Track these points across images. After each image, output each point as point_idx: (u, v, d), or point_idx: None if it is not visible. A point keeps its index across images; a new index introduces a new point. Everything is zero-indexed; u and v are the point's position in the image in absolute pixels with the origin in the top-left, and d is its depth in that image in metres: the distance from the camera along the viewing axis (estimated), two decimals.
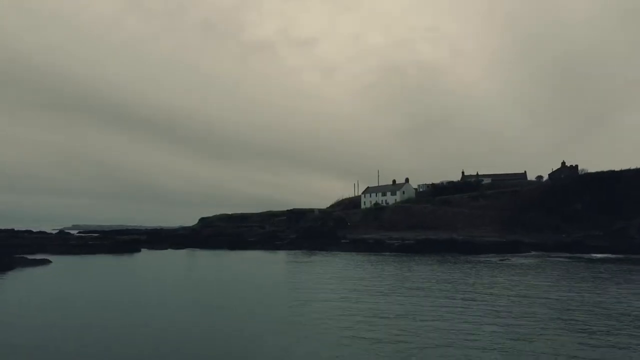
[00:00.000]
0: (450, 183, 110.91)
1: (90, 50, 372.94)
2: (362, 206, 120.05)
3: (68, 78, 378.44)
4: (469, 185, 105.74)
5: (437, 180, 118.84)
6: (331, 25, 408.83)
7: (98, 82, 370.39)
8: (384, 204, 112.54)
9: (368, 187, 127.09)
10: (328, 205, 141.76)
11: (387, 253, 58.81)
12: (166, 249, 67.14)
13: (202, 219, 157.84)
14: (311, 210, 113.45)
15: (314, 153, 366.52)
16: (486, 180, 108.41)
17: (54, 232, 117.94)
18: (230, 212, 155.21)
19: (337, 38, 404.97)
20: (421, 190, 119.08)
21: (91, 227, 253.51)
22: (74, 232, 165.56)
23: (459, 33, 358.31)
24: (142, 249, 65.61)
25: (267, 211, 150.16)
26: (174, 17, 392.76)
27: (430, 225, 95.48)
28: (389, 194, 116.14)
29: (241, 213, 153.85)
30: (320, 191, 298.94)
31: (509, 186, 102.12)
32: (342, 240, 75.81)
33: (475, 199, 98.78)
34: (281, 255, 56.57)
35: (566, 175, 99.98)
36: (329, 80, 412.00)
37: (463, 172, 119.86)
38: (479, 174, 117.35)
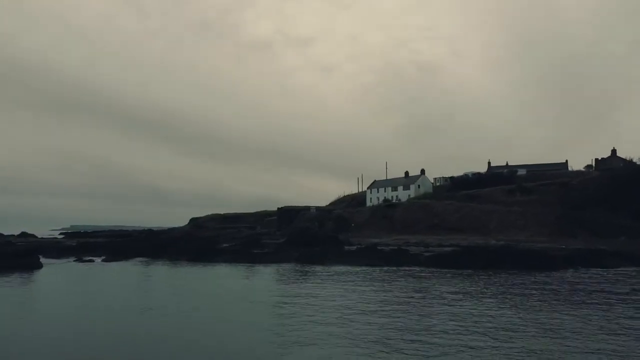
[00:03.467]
0: (476, 175, 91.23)
1: (87, 50, 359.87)
2: (368, 203, 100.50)
3: (64, 78, 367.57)
4: (500, 177, 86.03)
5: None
6: (329, 24, 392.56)
7: (94, 82, 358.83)
8: (395, 200, 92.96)
9: (375, 180, 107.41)
10: (328, 204, 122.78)
11: (416, 268, 39.12)
12: (92, 260, 47.27)
13: (193, 219, 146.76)
14: (307, 209, 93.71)
15: (313, 153, 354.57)
16: (520, 172, 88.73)
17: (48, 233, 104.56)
18: (224, 212, 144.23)
19: (336, 37, 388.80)
20: (438, 184, 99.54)
21: (89, 227, 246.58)
22: (57, 234, 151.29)
23: (459, 32, 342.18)
24: (61, 261, 46.16)
25: (262, 211, 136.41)
26: (171, 16, 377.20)
27: (455, 226, 75.96)
28: (400, 188, 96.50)
29: (234, 213, 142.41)
30: (320, 191, 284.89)
31: (552, 177, 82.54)
32: (346, 247, 56.26)
33: (511, 194, 79.12)
34: (255, 278, 36.79)
35: (625, 164, 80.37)
36: (328, 79, 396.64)
37: (489, 163, 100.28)
38: (509, 164, 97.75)
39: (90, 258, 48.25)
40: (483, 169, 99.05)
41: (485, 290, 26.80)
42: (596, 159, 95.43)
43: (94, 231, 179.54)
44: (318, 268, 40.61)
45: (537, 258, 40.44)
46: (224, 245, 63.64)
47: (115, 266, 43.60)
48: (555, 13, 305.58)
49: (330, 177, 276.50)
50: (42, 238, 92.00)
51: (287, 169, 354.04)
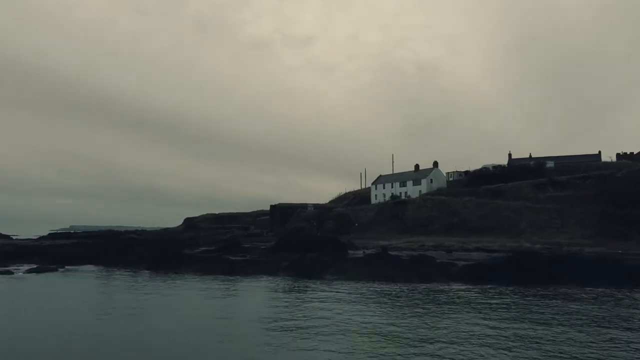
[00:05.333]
0: (497, 168, 79.95)
1: (86, 50, 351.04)
2: (373, 200, 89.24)
3: (61, 77, 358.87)
4: (527, 170, 74.74)
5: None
6: (328, 23, 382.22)
7: (93, 82, 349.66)
8: (405, 196, 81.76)
9: (380, 175, 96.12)
10: (328, 201, 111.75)
11: (450, 285, 27.84)
12: (10, 272, 35.67)
13: (187, 219, 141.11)
14: (303, 206, 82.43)
15: (313, 153, 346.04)
16: (548, 164, 77.50)
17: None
18: (221, 212, 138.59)
19: (335, 37, 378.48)
20: (451, 179, 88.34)
21: (89, 228, 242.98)
22: (46, 234, 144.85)
23: (458, 31, 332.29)
24: None
25: (259, 210, 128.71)
26: (168, 15, 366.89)
27: (478, 226, 64.78)
28: (410, 183, 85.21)
29: (229, 213, 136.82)
30: (321, 191, 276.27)
31: (586, 170, 71.37)
32: (350, 252, 45.21)
33: (542, 188, 67.93)
34: (223, 305, 25.60)
35: None
36: (327, 79, 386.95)
37: (510, 155, 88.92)
38: (533, 156, 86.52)
39: (10, 269, 36.78)
40: (512, 159, 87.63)
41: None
42: (618, 153, 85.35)
43: (83, 232, 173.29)
44: (313, 285, 29.40)
45: (622, 270, 29.16)
46: (202, 248, 52.59)
47: (37, 281, 32.24)
48: (555, 13, 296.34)
49: (331, 178, 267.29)
50: (16, 240, 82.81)
51: (286, 169, 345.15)
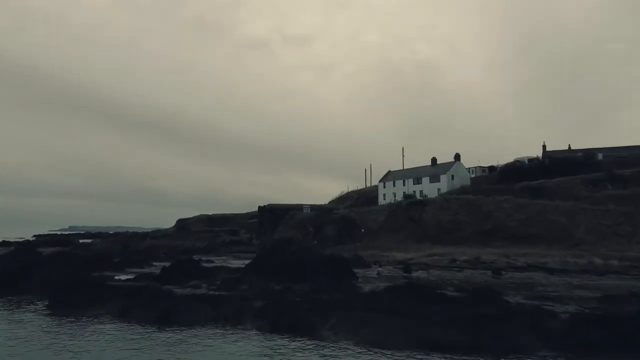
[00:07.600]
0: (534, 161, 65.83)
1: (82, 49, 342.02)
2: (381, 201, 75.30)
3: (60, 78, 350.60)
4: (574, 163, 60.61)
5: None
6: (327, 23, 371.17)
7: (90, 81, 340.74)
8: (420, 196, 67.82)
9: (390, 171, 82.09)
10: (328, 202, 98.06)
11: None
12: None
13: (179, 221, 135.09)
14: (298, 208, 68.25)
15: (311, 153, 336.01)
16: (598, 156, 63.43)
17: None
18: (214, 213, 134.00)
19: (333, 36, 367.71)
20: (473, 175, 74.38)
21: (88, 229, 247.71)
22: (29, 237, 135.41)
23: (457, 31, 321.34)
24: None
25: (253, 212, 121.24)
26: (166, 15, 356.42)
27: (519, 233, 50.79)
28: (426, 180, 71.25)
29: (222, 214, 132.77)
30: (320, 192, 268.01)
31: None
32: (359, 273, 31.50)
33: (599, 186, 53.92)
34: None
35: None
36: (325, 78, 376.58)
37: (544, 146, 74.69)
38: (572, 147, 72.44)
39: None
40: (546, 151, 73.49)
41: None
42: None
43: (70, 233, 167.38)
44: (301, 355, 15.39)
45: None
46: (156, 264, 38.64)
47: None
48: (555, 13, 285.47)
49: (331, 178, 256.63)
50: None
51: (285, 170, 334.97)
